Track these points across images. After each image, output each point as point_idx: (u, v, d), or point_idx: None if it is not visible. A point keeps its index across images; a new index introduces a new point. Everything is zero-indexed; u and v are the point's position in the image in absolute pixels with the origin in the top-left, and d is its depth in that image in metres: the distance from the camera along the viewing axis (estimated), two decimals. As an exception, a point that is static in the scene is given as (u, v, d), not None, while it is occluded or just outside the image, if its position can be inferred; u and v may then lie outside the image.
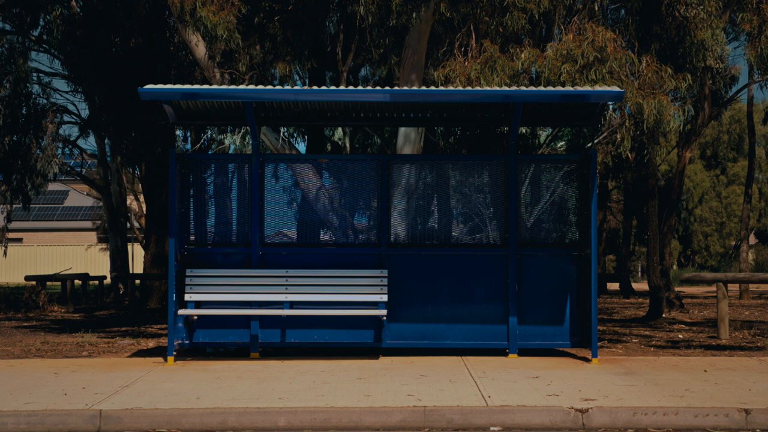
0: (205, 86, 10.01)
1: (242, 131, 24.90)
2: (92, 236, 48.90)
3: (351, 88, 10.84)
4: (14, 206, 22.42)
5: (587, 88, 10.03)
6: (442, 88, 11.14)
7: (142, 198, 30.48)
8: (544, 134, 20.34)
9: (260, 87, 9.69)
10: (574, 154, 12.46)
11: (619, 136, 12.29)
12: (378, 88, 14.19)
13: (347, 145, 24.32)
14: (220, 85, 12.96)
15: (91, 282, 23.17)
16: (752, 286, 29.85)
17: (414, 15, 12.13)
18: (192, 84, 14.27)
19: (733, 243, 49.39)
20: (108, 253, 28.64)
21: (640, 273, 50.75)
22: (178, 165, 10.05)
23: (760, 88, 19.26)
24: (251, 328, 10.07)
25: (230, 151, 27.82)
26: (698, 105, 18.87)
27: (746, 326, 14.69)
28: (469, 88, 10.91)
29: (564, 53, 11.44)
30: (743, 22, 13.20)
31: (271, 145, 13.38)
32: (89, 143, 58.87)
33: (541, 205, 10.42)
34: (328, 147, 22.90)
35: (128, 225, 30.66)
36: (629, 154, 18.26)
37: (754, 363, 9.55)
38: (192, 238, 10.34)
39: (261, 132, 12.94)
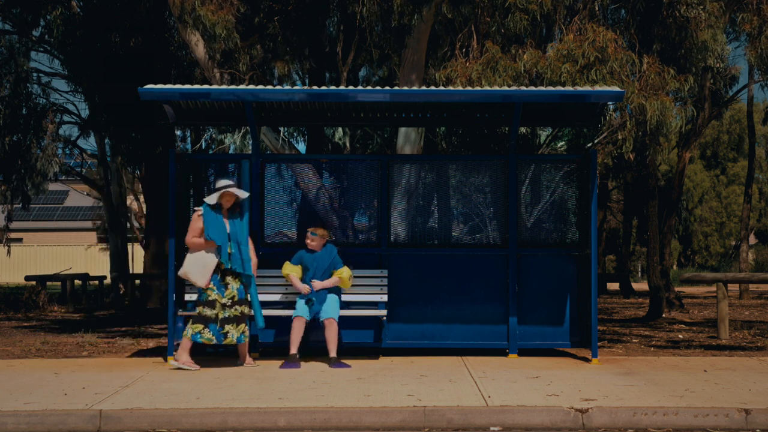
0: (205, 86, 10.00)
1: (242, 131, 24.89)
2: (92, 236, 48.92)
3: (351, 88, 10.82)
4: (14, 206, 22.43)
5: (587, 88, 10.02)
6: (442, 88, 11.13)
7: (142, 198, 30.49)
8: (544, 134, 20.33)
9: (260, 87, 9.66)
10: (575, 154, 12.45)
11: (620, 136, 12.29)
12: (378, 88, 14.18)
13: (347, 145, 24.33)
14: (220, 84, 12.94)
15: (91, 282, 23.15)
16: (752, 286, 29.85)
17: (416, 16, 12.12)
18: (192, 84, 14.24)
19: (733, 243, 49.40)
20: (108, 253, 28.63)
21: (640, 273, 50.73)
22: (178, 165, 10.03)
23: (761, 88, 19.29)
24: (251, 328, 10.04)
25: (230, 151, 27.80)
26: (698, 105, 18.88)
27: (746, 326, 14.69)
28: (469, 88, 10.90)
29: (565, 53, 11.44)
30: (743, 22, 13.20)
31: (271, 145, 13.37)
32: (89, 143, 58.94)
33: (541, 205, 10.40)
34: (328, 147, 22.89)
35: (128, 225, 30.67)
36: (630, 155, 18.29)
37: (754, 363, 9.55)
38: (192, 238, 10.32)
39: (261, 132, 12.93)
